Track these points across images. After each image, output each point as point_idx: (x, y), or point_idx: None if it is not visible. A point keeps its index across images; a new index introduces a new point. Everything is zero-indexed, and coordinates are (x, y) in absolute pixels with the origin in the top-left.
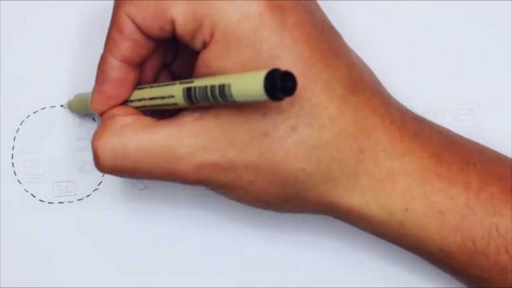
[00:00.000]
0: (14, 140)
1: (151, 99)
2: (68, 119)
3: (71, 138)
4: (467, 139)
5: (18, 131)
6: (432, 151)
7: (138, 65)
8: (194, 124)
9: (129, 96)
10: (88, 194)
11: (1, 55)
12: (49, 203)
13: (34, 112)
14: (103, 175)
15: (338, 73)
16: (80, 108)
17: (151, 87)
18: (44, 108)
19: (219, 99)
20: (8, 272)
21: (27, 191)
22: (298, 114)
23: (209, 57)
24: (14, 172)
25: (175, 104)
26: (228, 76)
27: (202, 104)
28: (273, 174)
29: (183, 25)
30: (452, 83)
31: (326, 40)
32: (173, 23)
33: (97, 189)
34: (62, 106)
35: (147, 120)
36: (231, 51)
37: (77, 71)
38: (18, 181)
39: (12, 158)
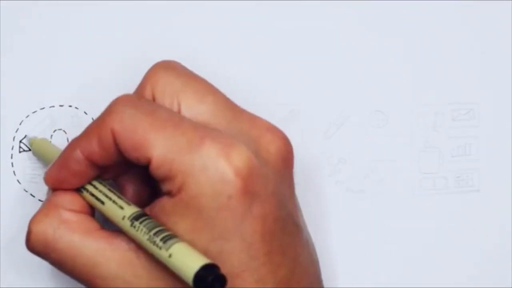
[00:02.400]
0: (13, 140)
1: (100, 200)
2: (67, 119)
3: (70, 138)
4: None
5: (18, 131)
6: None
7: (102, 167)
8: (126, 254)
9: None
10: None
11: (1, 55)
12: None
13: (33, 112)
14: None
15: (277, 271)
16: (39, 154)
17: (110, 190)
18: (44, 108)
19: (158, 241)
20: (8, 272)
21: (26, 191)
22: None
23: (168, 207)
24: (14, 172)
25: (118, 210)
26: (176, 242)
27: (137, 235)
28: None
29: (156, 168)
30: (452, 83)
31: (282, 236)
32: (149, 161)
33: None
34: (62, 106)
35: (88, 224)
36: (189, 216)
37: (76, 71)
38: (18, 181)
39: (12, 158)
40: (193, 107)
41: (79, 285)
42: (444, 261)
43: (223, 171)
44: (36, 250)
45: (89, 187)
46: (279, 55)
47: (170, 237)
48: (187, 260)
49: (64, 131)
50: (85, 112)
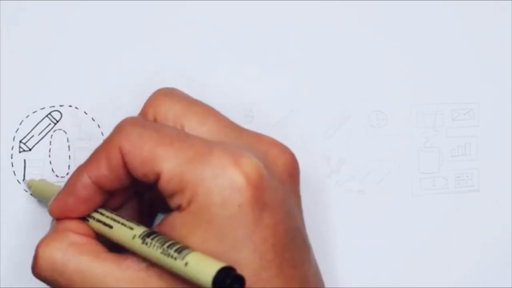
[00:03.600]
0: (13, 140)
1: (108, 225)
2: (67, 119)
3: (70, 138)
4: None
5: (18, 131)
6: None
7: (109, 192)
8: (136, 274)
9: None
10: None
11: (1, 55)
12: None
13: (33, 112)
14: None
15: (289, 284)
16: (39, 194)
17: (116, 215)
18: (44, 108)
19: (173, 253)
20: (8, 272)
21: (26, 191)
22: None
23: (177, 221)
24: (14, 172)
25: (128, 231)
26: (191, 252)
27: (150, 251)
28: None
29: (166, 182)
30: (452, 83)
31: (292, 249)
32: (158, 176)
33: None
34: (62, 106)
35: (96, 247)
36: (200, 227)
37: (77, 71)
38: (18, 181)
39: (12, 158)
40: (196, 129)
41: None
42: (443, 261)
43: (234, 178)
44: (44, 275)
45: (95, 214)
46: (279, 56)
47: (184, 248)
48: (204, 266)
49: (64, 131)
50: (85, 112)
